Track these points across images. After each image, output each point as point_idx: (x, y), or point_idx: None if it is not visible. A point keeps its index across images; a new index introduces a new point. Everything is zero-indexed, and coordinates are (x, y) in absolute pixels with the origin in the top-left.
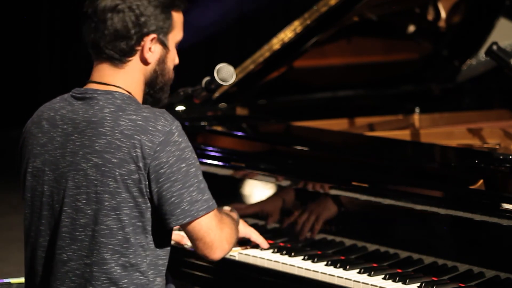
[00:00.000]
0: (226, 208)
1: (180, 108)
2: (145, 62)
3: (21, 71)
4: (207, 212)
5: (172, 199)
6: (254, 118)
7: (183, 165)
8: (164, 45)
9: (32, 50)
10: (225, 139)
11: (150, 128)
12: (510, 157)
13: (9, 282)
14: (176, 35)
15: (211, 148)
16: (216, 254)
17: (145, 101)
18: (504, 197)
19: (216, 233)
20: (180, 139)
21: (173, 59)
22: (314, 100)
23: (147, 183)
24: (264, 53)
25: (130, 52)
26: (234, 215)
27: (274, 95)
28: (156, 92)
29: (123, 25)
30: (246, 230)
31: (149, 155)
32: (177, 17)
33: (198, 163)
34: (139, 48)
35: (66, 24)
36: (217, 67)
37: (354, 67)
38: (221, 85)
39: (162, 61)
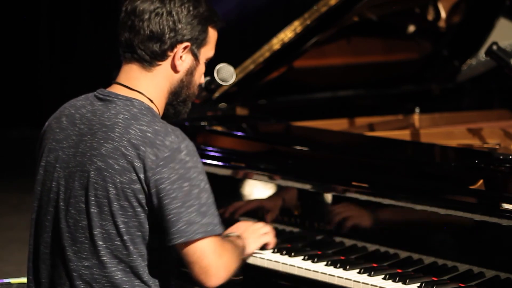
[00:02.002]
0: (233, 235)
1: None
2: (174, 69)
3: (21, 71)
4: (204, 236)
5: (169, 216)
6: (254, 118)
7: (186, 184)
8: (196, 56)
9: (32, 50)
10: (225, 139)
11: (158, 142)
12: (510, 157)
13: (9, 282)
14: (208, 51)
15: (211, 148)
16: (212, 281)
17: (166, 111)
18: (504, 197)
19: (212, 259)
20: (188, 158)
21: (201, 74)
22: (314, 100)
23: (147, 195)
24: (264, 53)
25: (162, 56)
26: (240, 242)
27: (274, 95)
28: (178, 104)
29: (160, 28)
30: (256, 245)
31: (151, 168)
32: (212, 34)
33: (205, 186)
34: (171, 54)
35: (66, 24)
36: (217, 67)
37: (354, 67)
38: (221, 85)
39: (190, 72)
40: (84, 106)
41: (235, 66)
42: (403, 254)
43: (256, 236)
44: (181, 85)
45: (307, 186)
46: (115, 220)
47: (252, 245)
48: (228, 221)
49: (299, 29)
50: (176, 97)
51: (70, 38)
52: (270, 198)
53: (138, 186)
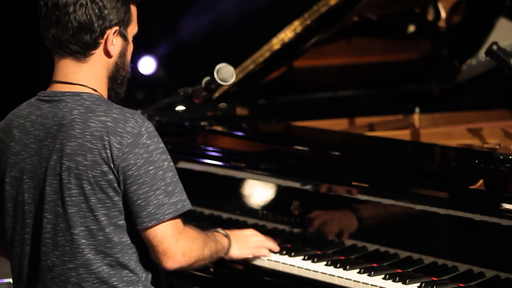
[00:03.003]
0: (221, 232)
1: (180, 108)
2: (108, 55)
3: (21, 71)
4: (173, 216)
5: (139, 201)
6: (254, 118)
7: (151, 167)
8: (125, 38)
9: (32, 50)
10: (225, 139)
11: (119, 130)
12: (510, 157)
13: (9, 282)
14: (133, 28)
15: (211, 148)
16: (168, 263)
17: (109, 97)
18: (504, 197)
19: (170, 243)
20: (149, 142)
21: (131, 52)
22: (314, 100)
23: (119, 182)
24: (264, 53)
25: (94, 45)
26: (220, 238)
27: (274, 95)
28: (117, 87)
29: (87, 18)
30: (242, 253)
31: (118, 156)
32: (134, 11)
33: (168, 165)
34: (102, 41)
35: None
36: (217, 67)
37: (354, 67)
38: (221, 85)
39: (123, 54)
40: (32, 113)
41: (235, 66)
42: (403, 254)
43: (245, 245)
44: (117, 68)
45: (307, 186)
46: (95, 215)
47: (237, 250)
48: (228, 221)
49: (299, 29)
50: (114, 81)
51: None
52: (270, 198)
53: (111, 176)
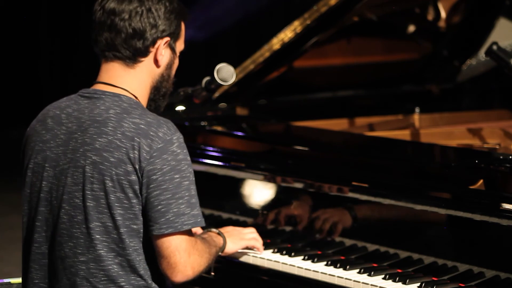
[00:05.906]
0: (214, 231)
1: (180, 108)
2: (156, 64)
3: (21, 71)
4: (191, 228)
5: (159, 207)
6: (254, 118)
7: (177, 176)
8: (173, 50)
9: (32, 50)
10: (225, 139)
11: (151, 133)
12: (510, 157)
13: (9, 282)
14: (181, 44)
15: (211, 148)
16: (177, 277)
17: (148, 107)
18: (504, 197)
19: (182, 257)
20: (179, 151)
21: (176, 67)
22: (314, 100)
23: (141, 185)
24: (264, 53)
25: (144, 53)
26: (217, 239)
27: (274, 95)
28: (159, 98)
29: (141, 26)
30: (237, 246)
31: (145, 159)
32: (183, 28)
33: (193, 178)
34: (153, 49)
35: (66, 24)
36: (217, 67)
37: (354, 67)
38: (221, 85)
39: (169, 66)
40: (69, 106)
41: (235, 66)
42: (403, 254)
43: (239, 238)
44: (162, 79)
45: (307, 186)
46: (112, 213)
47: (232, 245)
48: (228, 221)
49: (299, 29)
50: (157, 91)
51: (70, 37)
52: (270, 198)
53: (134, 177)
